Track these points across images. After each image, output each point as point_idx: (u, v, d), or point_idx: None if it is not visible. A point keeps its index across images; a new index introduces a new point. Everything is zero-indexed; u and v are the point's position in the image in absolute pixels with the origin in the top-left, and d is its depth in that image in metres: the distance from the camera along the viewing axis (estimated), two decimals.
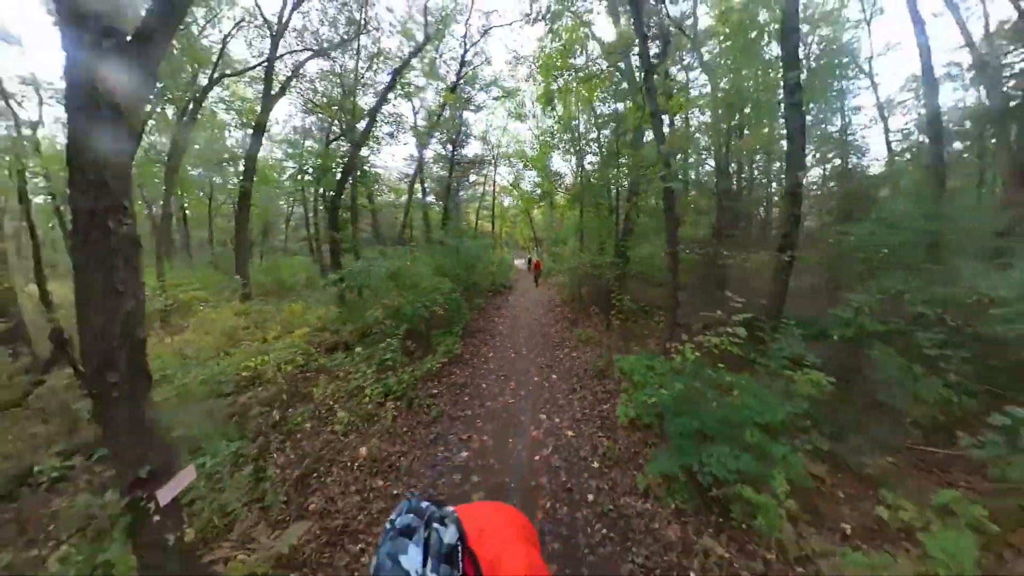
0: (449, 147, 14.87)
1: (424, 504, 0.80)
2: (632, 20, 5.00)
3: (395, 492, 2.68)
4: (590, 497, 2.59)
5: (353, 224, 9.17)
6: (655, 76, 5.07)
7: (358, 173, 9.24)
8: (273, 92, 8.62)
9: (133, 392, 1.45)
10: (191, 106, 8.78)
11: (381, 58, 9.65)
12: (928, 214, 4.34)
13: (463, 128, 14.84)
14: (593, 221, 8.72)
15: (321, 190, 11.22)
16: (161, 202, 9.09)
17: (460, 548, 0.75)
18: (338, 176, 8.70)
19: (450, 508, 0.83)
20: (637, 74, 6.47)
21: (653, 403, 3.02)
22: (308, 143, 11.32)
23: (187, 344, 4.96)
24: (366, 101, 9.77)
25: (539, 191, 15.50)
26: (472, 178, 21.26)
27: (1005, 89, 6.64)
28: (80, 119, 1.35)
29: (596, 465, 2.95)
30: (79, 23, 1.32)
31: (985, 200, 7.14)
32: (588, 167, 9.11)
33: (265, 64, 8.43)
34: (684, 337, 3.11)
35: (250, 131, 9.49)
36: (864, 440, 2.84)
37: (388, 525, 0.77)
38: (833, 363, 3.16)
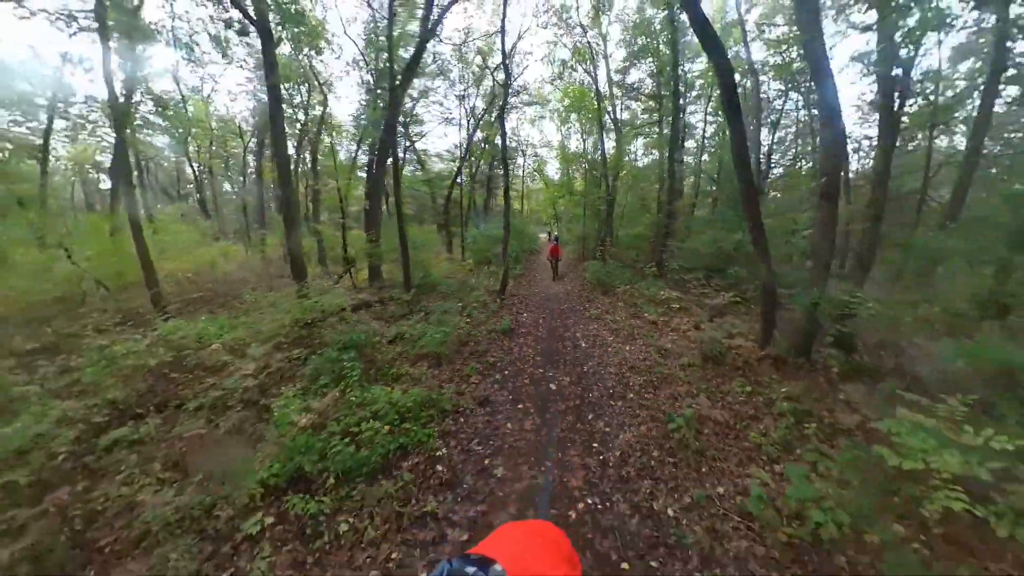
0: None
1: (469, 569, 0.70)
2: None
3: (523, 315, 9.14)
4: (565, 299, 8.98)
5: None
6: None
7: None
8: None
9: None
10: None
11: None
12: None
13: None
14: (592, 211, 14.83)
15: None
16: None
17: None
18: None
19: (499, 567, 0.72)
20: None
21: (589, 277, 9.41)
22: None
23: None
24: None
25: (559, 182, 21.48)
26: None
27: None
28: None
29: (577, 291, 9.37)
30: None
31: None
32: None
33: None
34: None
35: None
36: None
37: None
38: None
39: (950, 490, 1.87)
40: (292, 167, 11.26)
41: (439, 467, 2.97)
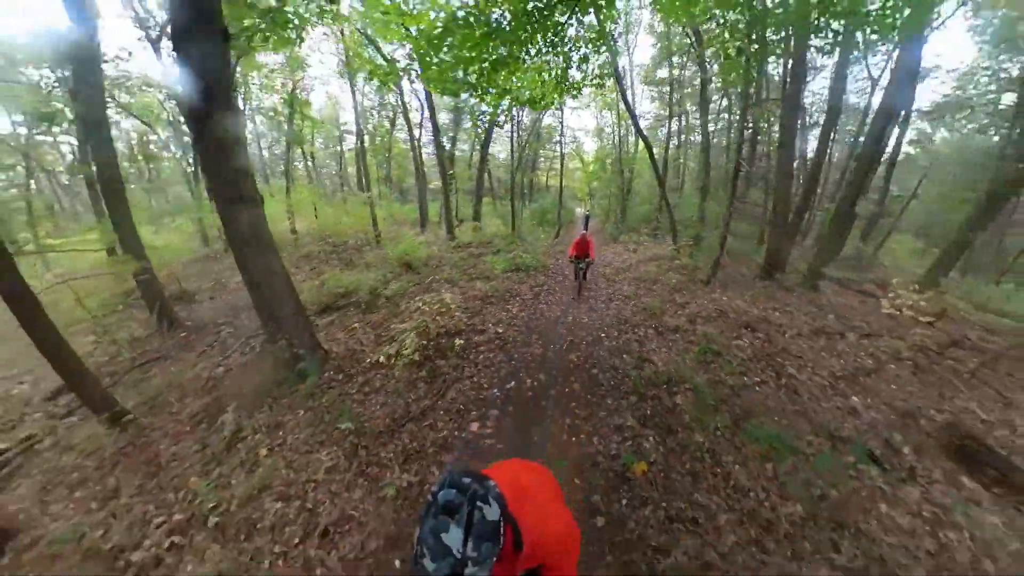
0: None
1: (466, 479, 0.82)
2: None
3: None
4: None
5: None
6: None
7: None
8: None
9: None
10: None
11: None
12: None
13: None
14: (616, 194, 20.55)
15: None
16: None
17: (501, 523, 0.79)
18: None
19: (492, 482, 0.84)
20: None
21: (608, 232, 15.45)
22: None
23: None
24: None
25: (593, 168, 27.04)
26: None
27: None
28: None
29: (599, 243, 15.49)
30: None
31: None
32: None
33: None
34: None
35: None
36: None
37: (430, 498, 0.80)
38: None
39: None
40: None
41: (541, 279, 9.35)
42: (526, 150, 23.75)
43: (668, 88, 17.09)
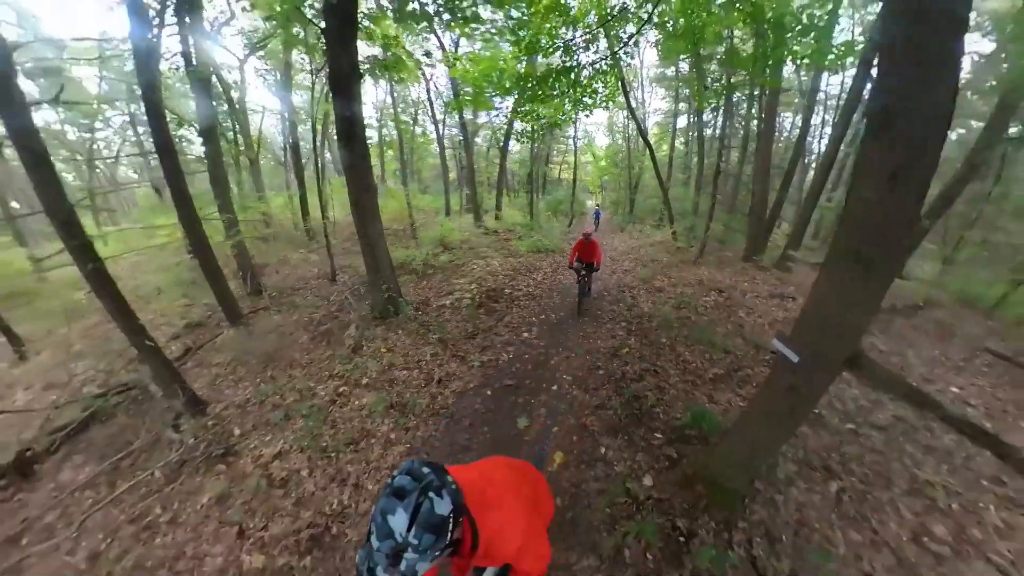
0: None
1: (425, 469, 0.83)
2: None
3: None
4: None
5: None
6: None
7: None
8: None
9: None
10: None
11: None
12: None
13: None
14: (625, 188, 22.28)
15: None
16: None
17: (452, 519, 0.79)
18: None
19: (451, 478, 0.85)
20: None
21: (617, 222, 17.24)
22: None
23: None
24: None
25: (604, 163, 28.68)
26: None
27: None
28: None
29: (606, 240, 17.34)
30: None
31: None
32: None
33: None
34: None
35: None
36: None
37: (389, 480, 0.82)
38: None
39: None
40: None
41: (558, 258, 11.28)
42: (540, 145, 25.51)
43: (675, 87, 18.68)
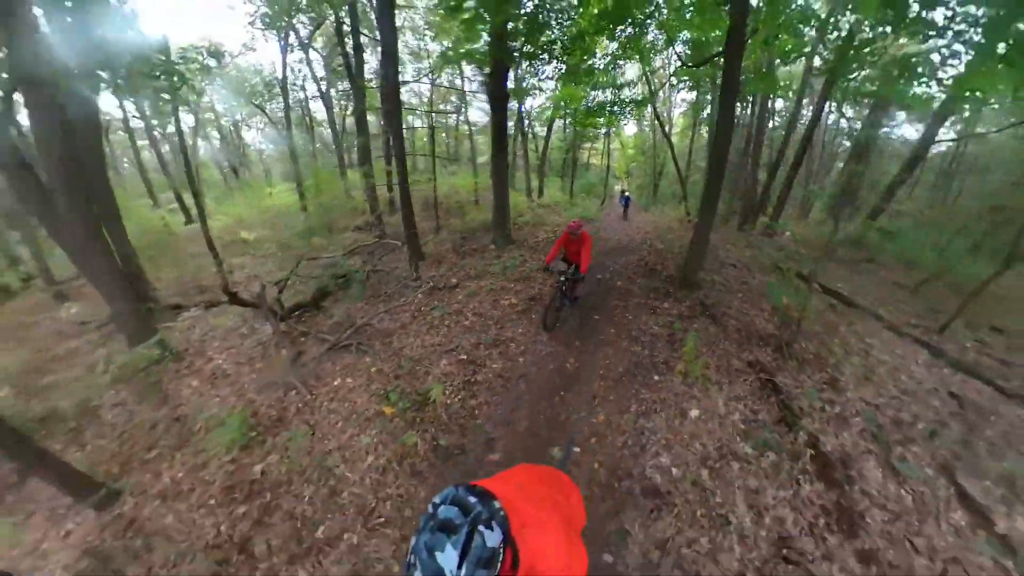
0: None
1: (472, 499, 0.78)
2: None
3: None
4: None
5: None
6: None
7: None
8: None
9: None
10: None
11: None
12: None
13: None
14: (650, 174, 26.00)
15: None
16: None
17: (502, 549, 0.75)
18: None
19: (498, 504, 0.80)
20: None
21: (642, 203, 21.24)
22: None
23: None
24: None
25: (632, 152, 32.27)
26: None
27: None
28: None
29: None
30: None
31: None
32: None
33: None
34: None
35: None
36: None
37: (430, 509, 0.77)
38: None
39: None
40: None
41: (598, 224, 15.53)
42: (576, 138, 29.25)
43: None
